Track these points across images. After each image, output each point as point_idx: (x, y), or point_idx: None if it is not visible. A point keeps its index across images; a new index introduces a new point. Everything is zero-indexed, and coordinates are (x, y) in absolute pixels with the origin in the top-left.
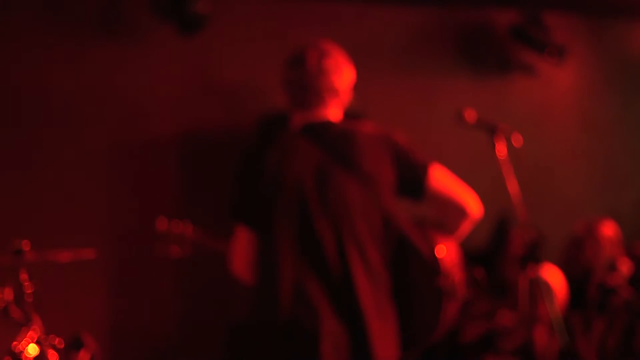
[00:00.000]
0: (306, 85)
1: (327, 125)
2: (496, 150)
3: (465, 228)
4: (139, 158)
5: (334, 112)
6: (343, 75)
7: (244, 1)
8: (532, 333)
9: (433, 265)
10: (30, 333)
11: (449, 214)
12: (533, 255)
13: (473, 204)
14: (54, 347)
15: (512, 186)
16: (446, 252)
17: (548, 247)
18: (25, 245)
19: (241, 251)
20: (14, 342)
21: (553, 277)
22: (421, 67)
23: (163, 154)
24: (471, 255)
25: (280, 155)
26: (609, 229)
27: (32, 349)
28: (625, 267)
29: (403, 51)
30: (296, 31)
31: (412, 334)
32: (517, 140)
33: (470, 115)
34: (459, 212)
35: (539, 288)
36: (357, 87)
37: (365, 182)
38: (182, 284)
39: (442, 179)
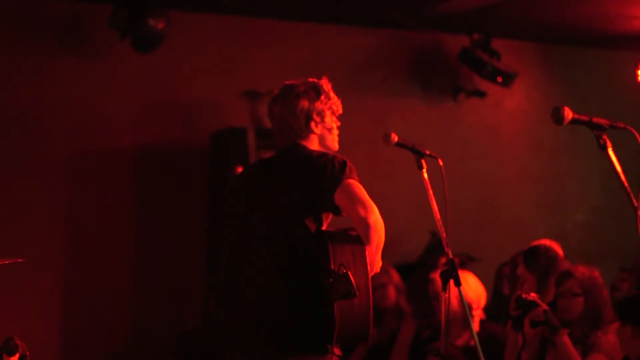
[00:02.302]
0: (274, 122)
1: (289, 150)
2: (422, 173)
3: (373, 239)
4: (96, 170)
5: (307, 142)
6: (298, 112)
7: (200, 19)
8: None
9: (326, 267)
10: None
11: (355, 225)
12: (451, 274)
13: (371, 217)
14: None
15: (436, 206)
16: (349, 255)
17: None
18: None
19: None
20: None
21: (470, 285)
22: (374, 88)
23: (120, 166)
24: (401, 265)
25: (238, 179)
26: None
27: None
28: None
29: (356, 71)
30: (251, 48)
31: (314, 328)
32: (441, 162)
33: (395, 136)
34: (360, 223)
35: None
36: None
37: (283, 199)
38: (134, 292)
39: (348, 194)
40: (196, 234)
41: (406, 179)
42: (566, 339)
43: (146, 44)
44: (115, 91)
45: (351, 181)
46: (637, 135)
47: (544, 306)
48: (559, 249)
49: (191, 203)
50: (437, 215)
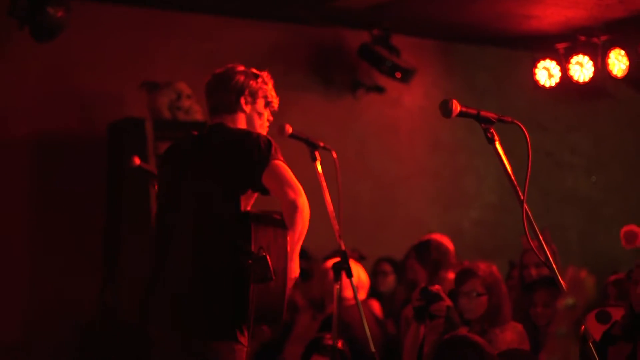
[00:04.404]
0: (209, 98)
1: (215, 128)
2: (315, 164)
3: (298, 223)
4: None
5: (230, 120)
6: (232, 86)
7: (100, 9)
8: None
9: (245, 248)
10: None
11: (282, 207)
12: (343, 265)
13: (299, 200)
14: None
15: (329, 199)
16: (270, 238)
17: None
18: None
19: None
20: None
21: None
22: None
23: (16, 155)
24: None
25: (167, 155)
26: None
27: None
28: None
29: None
30: (150, 40)
31: (227, 310)
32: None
33: (289, 128)
34: (287, 205)
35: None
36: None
37: (208, 178)
38: (29, 283)
39: (276, 175)
40: (93, 224)
41: (307, 176)
42: None
43: (45, 33)
44: (12, 80)
45: (278, 162)
46: (523, 129)
47: (448, 301)
48: (449, 243)
49: (88, 192)
50: (330, 207)
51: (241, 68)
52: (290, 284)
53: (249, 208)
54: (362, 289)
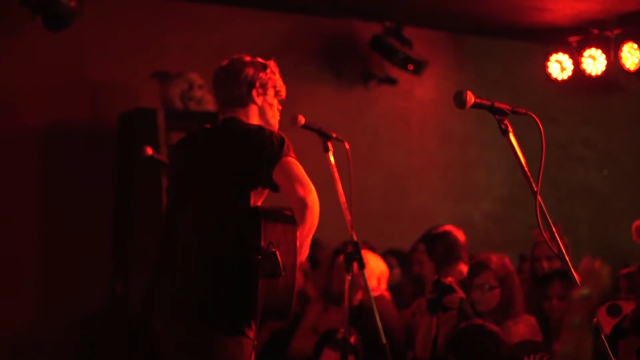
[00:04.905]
0: (218, 90)
1: (228, 123)
2: (328, 155)
3: (308, 220)
4: (1, 149)
5: (243, 113)
6: (242, 79)
7: (112, 0)
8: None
9: (255, 244)
10: None
11: (292, 204)
12: (355, 256)
13: (309, 197)
14: None
15: (342, 189)
16: (279, 234)
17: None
18: None
19: None
20: None
21: (372, 262)
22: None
23: (27, 145)
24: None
25: (179, 148)
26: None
27: None
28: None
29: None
30: (163, 30)
31: (234, 306)
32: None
33: (302, 119)
34: (297, 202)
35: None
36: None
37: (219, 172)
38: (39, 274)
39: (287, 172)
40: (103, 214)
41: (317, 169)
42: None
43: (58, 22)
44: (25, 69)
45: (290, 159)
46: (537, 120)
47: (461, 293)
48: (460, 235)
49: (99, 183)
50: (342, 198)
51: (248, 59)
52: (297, 274)
53: (259, 204)
54: (382, 279)
